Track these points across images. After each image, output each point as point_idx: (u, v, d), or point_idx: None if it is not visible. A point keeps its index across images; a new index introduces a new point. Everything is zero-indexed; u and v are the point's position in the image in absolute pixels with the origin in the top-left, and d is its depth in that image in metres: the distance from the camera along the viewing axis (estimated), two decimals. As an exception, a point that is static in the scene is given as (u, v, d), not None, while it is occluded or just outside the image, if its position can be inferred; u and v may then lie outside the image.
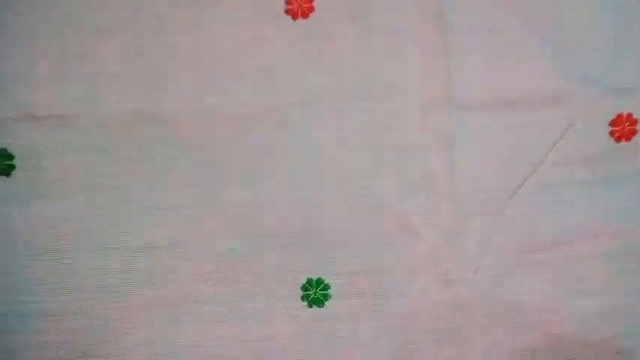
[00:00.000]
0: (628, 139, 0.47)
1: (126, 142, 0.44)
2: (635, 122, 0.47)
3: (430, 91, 0.46)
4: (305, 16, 0.45)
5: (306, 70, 0.45)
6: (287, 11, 0.45)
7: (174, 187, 0.45)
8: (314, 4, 0.45)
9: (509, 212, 0.48)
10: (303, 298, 0.47)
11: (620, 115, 0.47)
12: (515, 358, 0.49)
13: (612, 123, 0.47)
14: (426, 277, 0.48)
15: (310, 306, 0.48)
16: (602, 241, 0.49)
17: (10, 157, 0.43)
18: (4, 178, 0.43)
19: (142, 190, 0.45)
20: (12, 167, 0.43)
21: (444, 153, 0.47)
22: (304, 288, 0.47)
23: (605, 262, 0.49)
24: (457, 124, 0.46)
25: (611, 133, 0.47)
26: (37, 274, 0.45)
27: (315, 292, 0.47)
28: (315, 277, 0.47)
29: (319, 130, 0.46)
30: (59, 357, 0.46)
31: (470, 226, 0.47)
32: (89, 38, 0.43)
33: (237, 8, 0.44)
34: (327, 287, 0.47)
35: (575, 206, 0.48)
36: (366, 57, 0.45)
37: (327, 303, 0.48)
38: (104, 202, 0.45)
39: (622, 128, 0.47)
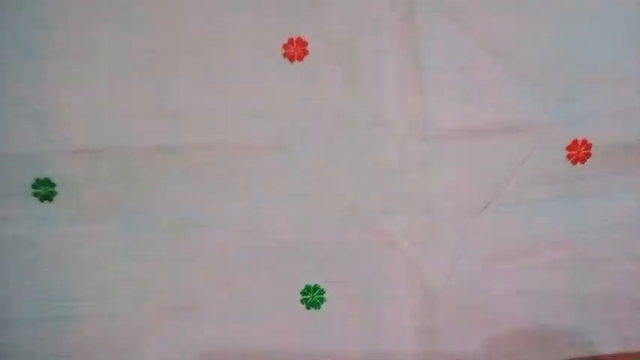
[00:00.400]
0: (583, 161, 0.53)
1: (148, 171, 0.50)
2: (589, 147, 0.52)
3: (408, 122, 0.51)
4: (300, 59, 0.50)
5: (301, 106, 0.51)
6: (284, 55, 0.50)
7: (189, 208, 0.51)
8: (308, 48, 0.50)
9: (479, 227, 0.53)
10: (302, 301, 0.54)
11: (575, 141, 0.52)
12: (484, 350, 0.54)
13: (569, 148, 0.52)
14: (406, 283, 0.53)
15: (308, 308, 0.54)
16: (561, 252, 0.54)
17: (52, 184, 0.50)
18: (47, 202, 0.50)
19: (162, 212, 0.51)
20: (54, 193, 0.50)
21: (421, 176, 0.52)
22: (303, 293, 0.54)
23: (563, 269, 0.54)
24: (432, 152, 0.52)
25: (568, 157, 0.52)
26: (76, 284, 0.51)
27: (312, 296, 0.54)
28: (312, 284, 0.53)
29: (313, 157, 0.51)
30: (95, 352, 0.52)
31: (444, 239, 0.53)
32: (116, 83, 0.49)
33: (241, 54, 0.50)
34: (322, 292, 0.54)
35: (536, 221, 0.53)
36: (352, 94, 0.51)
37: (322, 305, 0.54)
38: (130, 222, 0.51)
39: (578, 152, 0.52)
